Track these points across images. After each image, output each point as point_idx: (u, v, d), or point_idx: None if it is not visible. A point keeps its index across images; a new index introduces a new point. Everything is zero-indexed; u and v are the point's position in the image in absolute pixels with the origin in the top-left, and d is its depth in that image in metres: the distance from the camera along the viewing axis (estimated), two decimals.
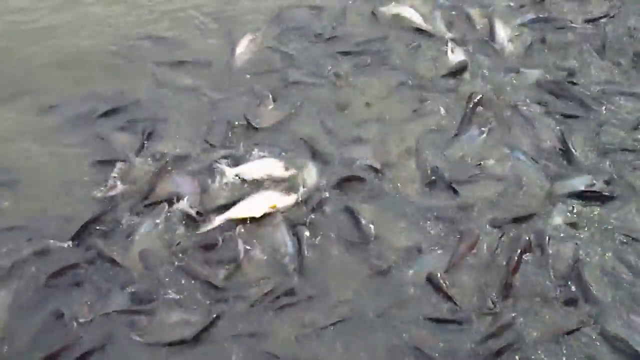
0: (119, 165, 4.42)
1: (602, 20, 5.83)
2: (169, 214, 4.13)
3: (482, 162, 4.56)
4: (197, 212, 4.10)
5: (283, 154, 4.58)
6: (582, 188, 4.32)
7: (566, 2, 6.07)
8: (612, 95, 5.06)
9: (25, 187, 4.33)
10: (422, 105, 5.02)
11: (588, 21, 5.83)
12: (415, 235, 4.07)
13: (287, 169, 4.40)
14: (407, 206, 4.24)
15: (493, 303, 3.72)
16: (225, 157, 4.49)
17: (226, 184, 4.34)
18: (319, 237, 4.05)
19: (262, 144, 4.65)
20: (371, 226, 4.09)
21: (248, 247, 3.96)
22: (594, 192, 4.30)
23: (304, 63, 5.41)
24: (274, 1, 6.08)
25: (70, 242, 3.96)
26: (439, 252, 3.98)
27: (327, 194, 4.29)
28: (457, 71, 5.32)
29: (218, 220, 4.06)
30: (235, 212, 4.10)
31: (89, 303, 3.67)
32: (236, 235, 4.01)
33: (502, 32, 5.71)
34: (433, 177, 4.40)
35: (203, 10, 5.97)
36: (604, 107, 4.96)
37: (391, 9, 5.95)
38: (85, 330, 3.54)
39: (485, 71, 5.34)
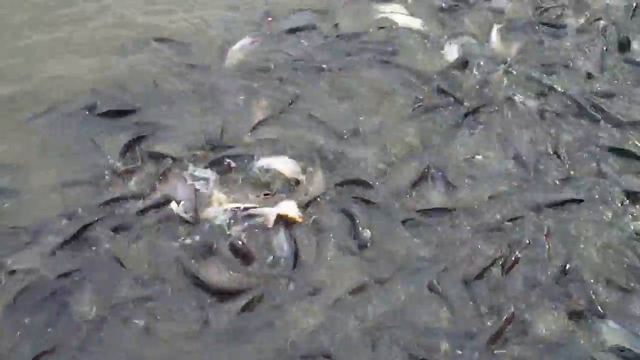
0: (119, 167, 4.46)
1: (600, 24, 5.89)
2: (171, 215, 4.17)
3: (474, 158, 4.64)
4: (191, 217, 4.14)
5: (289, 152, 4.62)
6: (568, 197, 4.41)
7: (565, 9, 6.13)
8: (605, 97, 5.15)
9: (25, 188, 4.32)
10: (421, 103, 5.06)
11: (586, 28, 5.89)
12: (414, 240, 4.11)
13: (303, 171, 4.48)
14: (406, 210, 4.27)
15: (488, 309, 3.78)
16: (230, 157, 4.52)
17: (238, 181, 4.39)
18: (317, 241, 4.07)
19: (262, 145, 4.67)
20: (367, 231, 4.10)
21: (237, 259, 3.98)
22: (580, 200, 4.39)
23: (302, 63, 5.42)
24: (278, 5, 6.09)
25: (73, 241, 3.97)
26: (436, 257, 4.02)
27: (327, 197, 4.33)
28: (457, 67, 5.39)
29: (273, 212, 4.13)
30: (285, 209, 4.17)
31: (92, 299, 3.71)
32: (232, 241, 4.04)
33: (499, 34, 5.77)
34: (430, 172, 4.45)
35: (209, 14, 5.96)
36: (597, 108, 5.04)
37: (391, 13, 5.99)
38: (87, 324, 3.59)
39: (481, 66, 5.43)
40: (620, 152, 4.73)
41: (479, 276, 3.90)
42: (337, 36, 5.74)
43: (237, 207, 4.18)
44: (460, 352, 3.55)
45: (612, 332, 3.69)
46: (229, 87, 5.19)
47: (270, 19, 5.93)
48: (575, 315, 3.73)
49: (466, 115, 4.96)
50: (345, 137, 4.77)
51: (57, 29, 5.65)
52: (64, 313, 3.63)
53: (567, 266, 3.95)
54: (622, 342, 3.65)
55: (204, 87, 5.17)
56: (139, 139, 4.64)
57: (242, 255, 3.96)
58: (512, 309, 3.70)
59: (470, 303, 3.77)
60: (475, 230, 4.16)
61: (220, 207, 4.22)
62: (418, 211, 4.25)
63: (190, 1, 6.04)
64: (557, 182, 4.52)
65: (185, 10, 5.96)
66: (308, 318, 3.68)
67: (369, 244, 4.05)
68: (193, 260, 3.91)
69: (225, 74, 5.32)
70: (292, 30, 5.77)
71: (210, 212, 4.19)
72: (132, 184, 4.37)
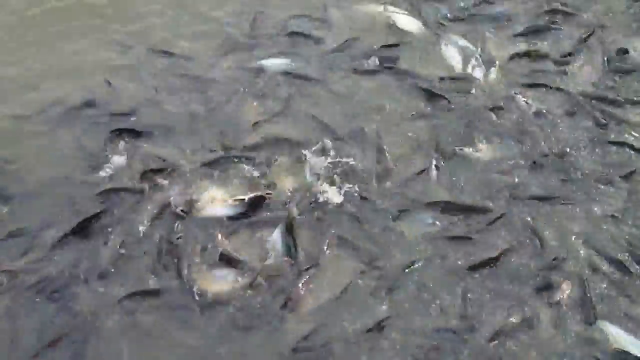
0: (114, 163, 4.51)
1: (600, 30, 5.95)
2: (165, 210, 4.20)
3: (474, 156, 4.68)
4: (182, 211, 4.20)
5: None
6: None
7: (567, 15, 6.17)
8: (602, 98, 5.22)
9: (24, 190, 4.34)
10: (423, 106, 5.09)
11: (586, 33, 5.93)
12: (415, 244, 4.12)
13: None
14: (405, 207, 4.30)
15: None
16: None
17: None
18: (315, 243, 4.06)
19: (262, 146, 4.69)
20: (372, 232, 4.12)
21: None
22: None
23: (301, 67, 5.43)
24: (277, 10, 6.10)
25: (72, 237, 4.00)
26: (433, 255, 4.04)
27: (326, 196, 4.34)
28: (457, 71, 5.46)
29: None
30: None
31: (90, 295, 3.73)
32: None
33: (498, 37, 5.84)
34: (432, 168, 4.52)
35: (207, 27, 5.93)
36: (595, 108, 5.11)
37: (391, 16, 6.01)
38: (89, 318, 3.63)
39: (479, 68, 5.46)
40: (622, 146, 4.81)
41: (476, 272, 3.93)
42: (342, 42, 5.72)
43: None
44: (459, 351, 3.54)
45: (613, 335, 3.67)
46: (227, 92, 5.19)
47: (260, 21, 5.94)
48: (570, 314, 3.75)
49: (467, 117, 5.00)
50: (345, 137, 4.78)
51: (60, 37, 5.67)
52: (67, 308, 3.66)
53: (563, 263, 3.99)
54: (624, 345, 3.63)
55: (203, 94, 5.17)
56: (126, 131, 4.71)
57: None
58: (511, 306, 3.73)
59: (468, 301, 3.78)
60: (472, 226, 4.19)
61: (222, 202, 4.26)
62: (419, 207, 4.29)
63: (187, 16, 6.05)
64: (557, 180, 4.55)
65: (183, 22, 5.96)
66: (307, 318, 3.67)
67: (370, 243, 4.07)
68: (188, 260, 3.92)
69: (223, 79, 5.33)
70: (290, 35, 5.78)
71: (207, 208, 4.22)
72: (127, 180, 4.40)
